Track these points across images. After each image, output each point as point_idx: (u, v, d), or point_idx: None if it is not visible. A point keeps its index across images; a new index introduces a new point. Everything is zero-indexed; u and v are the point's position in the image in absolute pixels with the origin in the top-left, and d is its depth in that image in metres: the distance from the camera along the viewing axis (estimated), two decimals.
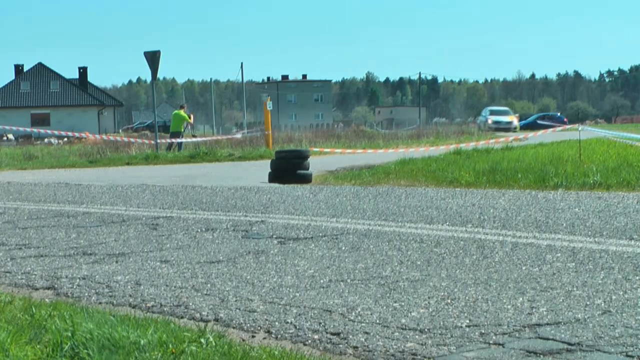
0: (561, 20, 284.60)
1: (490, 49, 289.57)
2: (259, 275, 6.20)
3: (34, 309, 5.14)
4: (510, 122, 56.06)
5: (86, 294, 5.96)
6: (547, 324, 4.44)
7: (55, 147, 43.36)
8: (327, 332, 4.54)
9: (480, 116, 62.89)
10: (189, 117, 30.27)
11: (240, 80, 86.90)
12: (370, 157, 23.23)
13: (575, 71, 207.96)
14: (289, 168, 15.90)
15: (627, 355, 3.87)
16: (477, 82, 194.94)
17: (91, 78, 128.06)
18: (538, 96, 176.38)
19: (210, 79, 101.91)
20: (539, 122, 62.35)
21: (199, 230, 8.83)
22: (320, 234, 8.04)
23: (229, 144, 33.04)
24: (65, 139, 53.08)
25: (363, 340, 4.34)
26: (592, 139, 27.29)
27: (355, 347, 4.24)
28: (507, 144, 26.00)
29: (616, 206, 9.17)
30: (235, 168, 21.42)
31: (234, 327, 4.79)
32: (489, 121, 56.71)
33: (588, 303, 4.83)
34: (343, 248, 7.21)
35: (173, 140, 29.69)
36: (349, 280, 5.83)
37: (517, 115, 62.61)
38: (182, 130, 30.05)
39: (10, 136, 64.79)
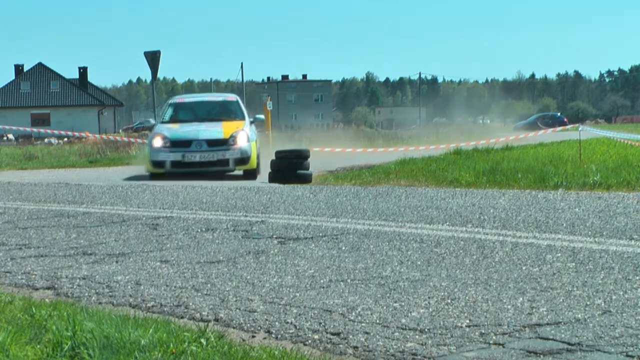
0: (561, 20, 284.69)
1: (490, 49, 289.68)
2: (259, 275, 6.20)
3: (34, 309, 5.14)
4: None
5: (86, 294, 5.96)
6: (547, 324, 4.44)
7: (55, 147, 43.33)
8: (327, 332, 4.54)
9: None
10: None
11: (240, 80, 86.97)
12: (370, 157, 23.23)
13: (575, 71, 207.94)
14: (289, 168, 15.90)
15: (627, 355, 3.87)
16: (477, 82, 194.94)
17: (91, 78, 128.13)
18: (538, 96, 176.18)
19: (210, 79, 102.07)
20: (538, 123, 61.15)
21: (199, 230, 8.83)
22: (321, 234, 8.04)
23: None
24: (65, 139, 53.06)
25: (363, 340, 4.34)
26: (592, 139, 27.30)
27: (355, 347, 4.24)
28: (507, 144, 26.00)
29: (616, 206, 9.17)
30: None
31: (234, 327, 4.79)
32: None
33: (588, 303, 4.83)
34: (343, 248, 7.21)
35: None
36: (349, 280, 5.83)
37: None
38: None
39: (10, 136, 64.76)
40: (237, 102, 20.09)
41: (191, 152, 17.69)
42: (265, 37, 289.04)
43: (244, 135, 18.07)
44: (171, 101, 20.81)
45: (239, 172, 18.17)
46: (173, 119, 19.34)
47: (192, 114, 19.60)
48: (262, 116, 21.24)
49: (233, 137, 17.86)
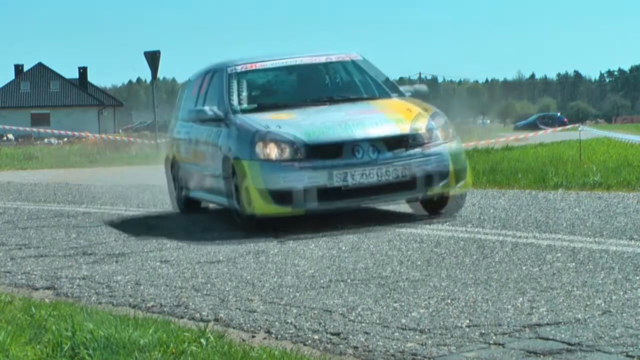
0: (561, 20, 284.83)
1: (490, 49, 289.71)
2: (259, 275, 6.20)
3: (34, 309, 5.14)
4: None
5: (86, 294, 5.96)
6: (547, 324, 4.43)
7: (55, 147, 43.35)
8: (327, 332, 4.54)
9: None
10: None
11: None
12: None
13: (575, 71, 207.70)
14: None
15: (627, 355, 3.87)
16: (477, 82, 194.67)
17: (91, 78, 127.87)
18: (538, 96, 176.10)
19: None
20: (538, 123, 60.91)
21: (199, 230, 8.84)
22: (320, 234, 8.03)
23: None
24: (65, 139, 53.05)
25: (363, 340, 4.34)
26: (592, 139, 27.28)
27: (355, 347, 4.24)
28: (507, 144, 26.00)
29: (616, 206, 9.16)
30: None
31: (234, 327, 4.79)
32: None
33: (588, 303, 4.83)
34: (343, 248, 7.21)
35: None
36: (349, 280, 5.83)
37: None
38: None
39: (10, 136, 64.77)
40: (364, 63, 10.12)
41: (354, 168, 8.24)
42: (265, 37, 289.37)
43: (441, 122, 8.95)
44: (231, 70, 9.45)
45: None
46: (258, 104, 9.30)
47: (292, 93, 9.84)
48: (423, 87, 10.45)
49: (430, 129, 8.67)
